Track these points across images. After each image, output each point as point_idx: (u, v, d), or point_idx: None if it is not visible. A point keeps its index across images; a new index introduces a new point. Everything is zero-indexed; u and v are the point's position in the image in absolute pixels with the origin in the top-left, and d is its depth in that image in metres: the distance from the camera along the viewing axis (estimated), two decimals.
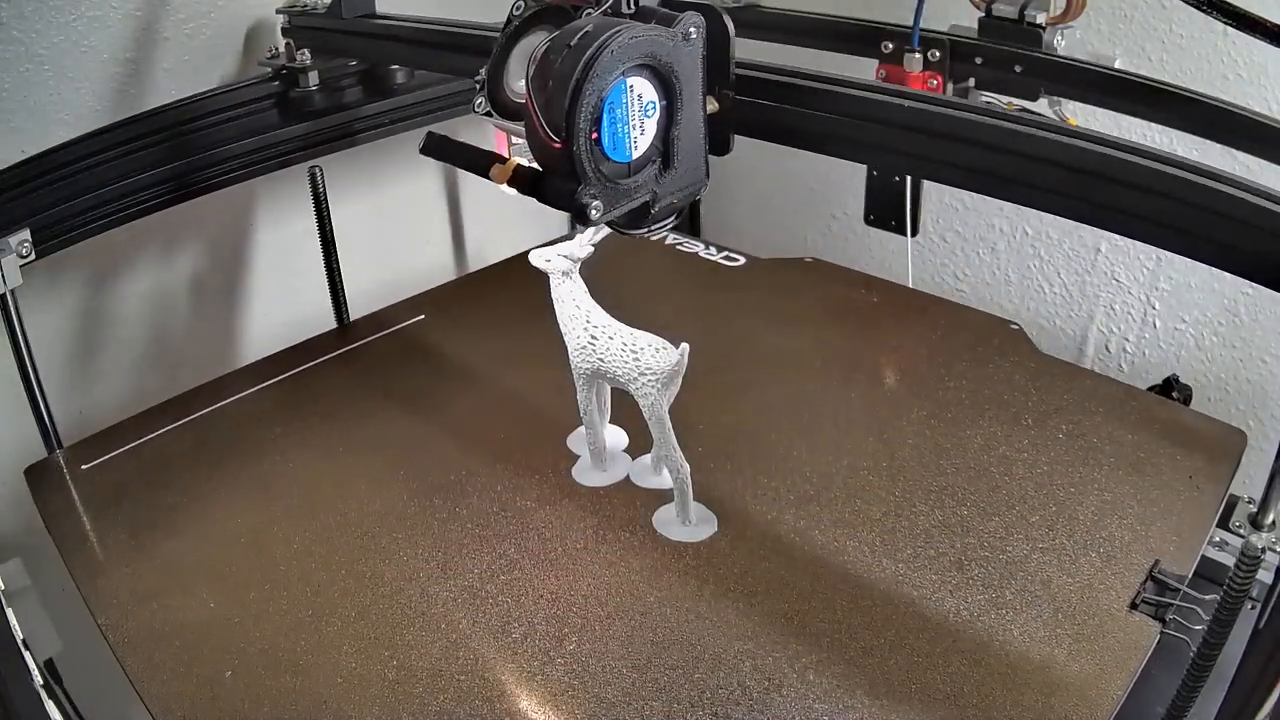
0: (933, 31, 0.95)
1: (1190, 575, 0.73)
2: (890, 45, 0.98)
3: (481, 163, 0.62)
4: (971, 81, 0.96)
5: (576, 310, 0.77)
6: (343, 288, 1.12)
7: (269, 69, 1.05)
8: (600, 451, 0.84)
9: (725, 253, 1.23)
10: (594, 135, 0.56)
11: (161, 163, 0.98)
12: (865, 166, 1.26)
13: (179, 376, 1.15)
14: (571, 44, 0.54)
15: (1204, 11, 0.65)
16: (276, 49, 1.05)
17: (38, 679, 0.68)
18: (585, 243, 0.77)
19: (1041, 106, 0.93)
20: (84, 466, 0.89)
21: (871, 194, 1.27)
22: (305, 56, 1.03)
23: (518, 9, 0.62)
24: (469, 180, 1.36)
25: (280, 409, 0.96)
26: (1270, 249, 0.51)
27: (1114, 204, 0.56)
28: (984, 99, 0.96)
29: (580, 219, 0.58)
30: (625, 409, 0.82)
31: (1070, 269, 1.27)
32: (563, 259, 0.76)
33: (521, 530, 0.79)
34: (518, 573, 0.74)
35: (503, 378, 1.00)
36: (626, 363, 0.75)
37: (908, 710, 0.63)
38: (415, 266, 1.37)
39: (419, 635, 0.69)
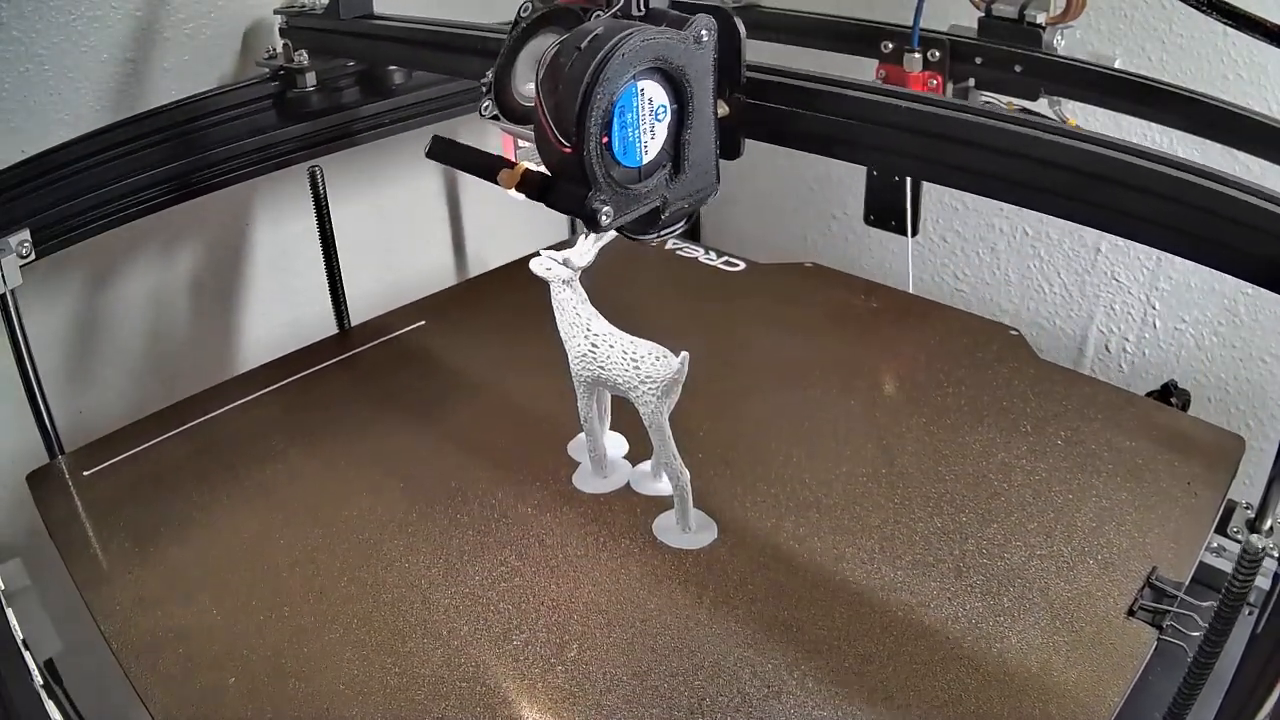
0: (933, 31, 0.95)
1: (1188, 582, 0.73)
2: (890, 45, 0.98)
3: (488, 167, 0.61)
4: (971, 81, 0.96)
5: (577, 318, 0.77)
6: (343, 290, 1.12)
7: (267, 69, 1.05)
8: (600, 458, 0.84)
9: (725, 258, 1.24)
10: (604, 140, 0.55)
11: (161, 163, 0.98)
12: (865, 167, 1.26)
13: (179, 375, 1.16)
14: (581, 47, 0.53)
15: (1204, 11, 0.65)
16: (274, 49, 1.06)
17: (38, 679, 0.68)
18: (586, 251, 0.77)
19: (1041, 106, 0.94)
20: (86, 473, 0.90)
21: (871, 194, 1.27)
22: (303, 57, 1.04)
23: (525, 10, 0.61)
24: (469, 181, 1.37)
25: (282, 415, 0.96)
26: (1270, 251, 0.51)
27: (1115, 206, 0.57)
28: (984, 99, 0.96)
29: (590, 225, 0.57)
30: (625, 416, 0.82)
31: (1070, 269, 1.27)
32: (563, 267, 0.77)
33: (522, 537, 0.79)
34: (519, 580, 0.75)
35: (503, 384, 1.01)
36: (627, 371, 0.75)
37: (907, 717, 0.63)
38: (415, 266, 1.38)
39: (421, 642, 0.70)
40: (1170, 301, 1.20)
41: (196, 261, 1.16)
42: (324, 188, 1.07)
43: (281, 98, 1.05)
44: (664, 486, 0.82)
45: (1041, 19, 0.91)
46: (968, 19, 0.96)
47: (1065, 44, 0.92)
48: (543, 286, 0.78)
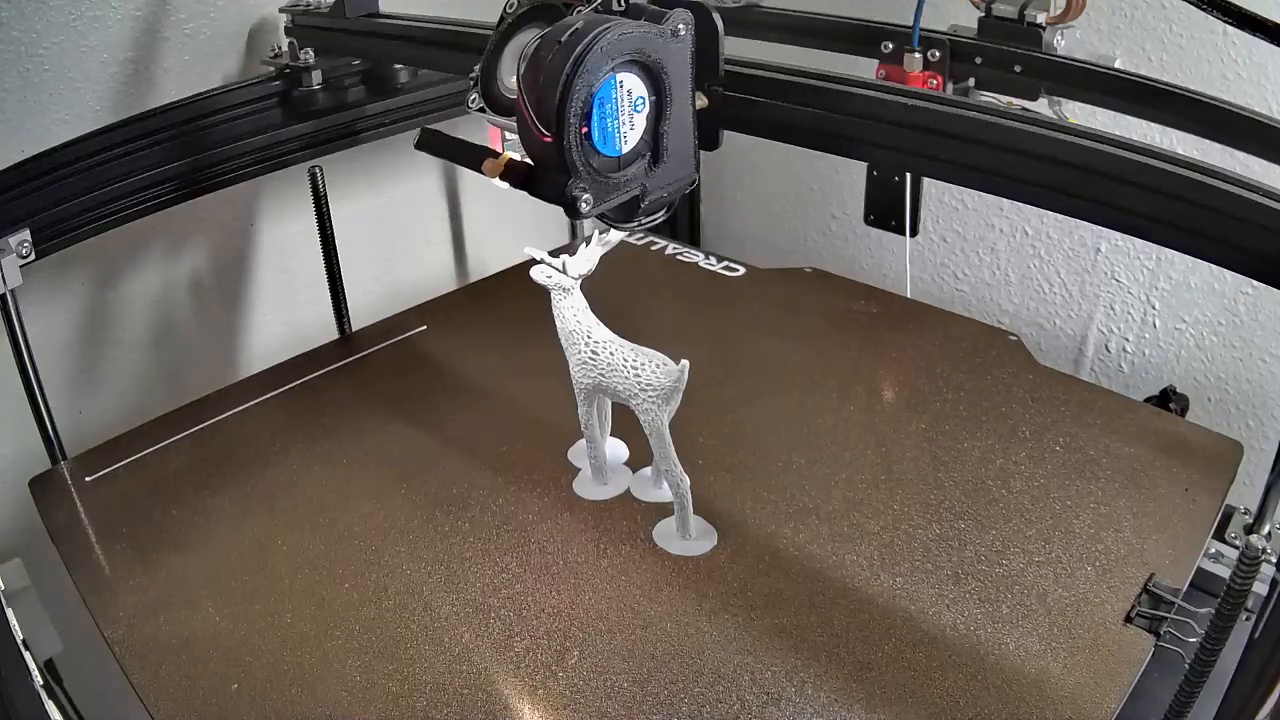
0: (933, 31, 0.96)
1: (1185, 588, 0.74)
2: (890, 45, 0.98)
3: (474, 157, 0.63)
4: (971, 81, 0.96)
5: (578, 326, 0.78)
6: (343, 291, 1.12)
7: (272, 68, 1.05)
8: (601, 465, 0.85)
9: (725, 263, 1.24)
10: (584, 130, 0.57)
11: (163, 162, 0.98)
12: (865, 167, 1.27)
13: (181, 375, 1.16)
14: (562, 40, 0.56)
15: (1204, 11, 0.65)
16: (279, 48, 1.06)
17: (38, 679, 0.69)
18: (586, 259, 0.78)
19: (1041, 106, 0.94)
20: (88, 478, 0.90)
21: (871, 194, 1.27)
22: (308, 56, 1.04)
23: (511, 7, 0.64)
24: (469, 180, 1.38)
25: (283, 421, 0.96)
26: (1270, 247, 0.52)
27: (1115, 201, 0.57)
28: (984, 99, 0.96)
29: (570, 212, 0.59)
30: (626, 422, 0.83)
31: (1070, 269, 1.27)
32: (564, 275, 0.77)
33: (523, 544, 0.79)
34: (520, 586, 0.75)
35: (504, 390, 1.01)
36: (627, 379, 0.76)
37: None
38: (416, 266, 1.38)
39: (423, 649, 0.70)
40: (1170, 301, 1.20)
41: (199, 260, 1.16)
42: (324, 188, 1.07)
43: (287, 96, 1.06)
44: (664, 493, 0.82)
45: (1041, 19, 0.91)
46: (968, 19, 0.96)
47: (1065, 44, 0.92)
48: (544, 291, 0.79)
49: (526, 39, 0.62)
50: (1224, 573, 0.77)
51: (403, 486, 0.86)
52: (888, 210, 1.26)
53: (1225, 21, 0.65)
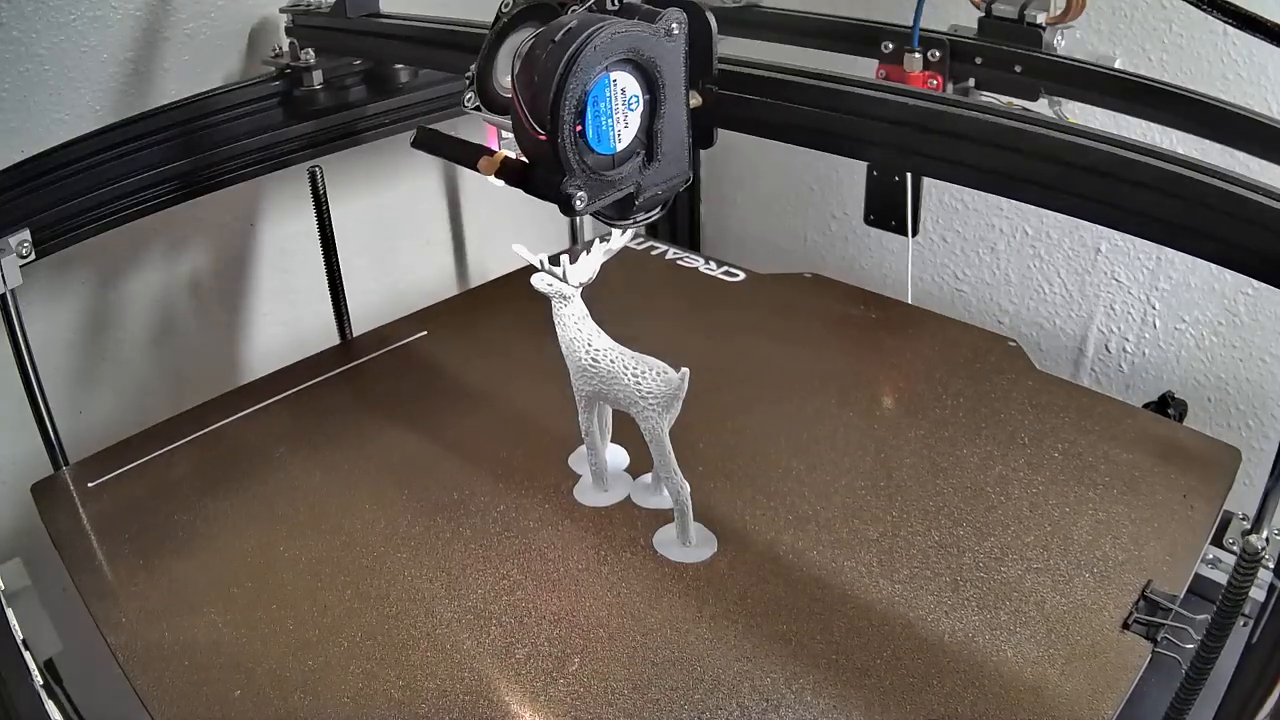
0: (933, 31, 0.96)
1: (1183, 594, 0.74)
2: (890, 45, 0.98)
3: (470, 156, 0.64)
4: (971, 81, 0.96)
5: (578, 334, 0.78)
6: (343, 291, 1.12)
7: (272, 68, 1.06)
8: (601, 471, 0.85)
9: (725, 268, 1.25)
10: (578, 128, 0.58)
11: (163, 162, 0.99)
12: (865, 167, 1.27)
13: (181, 375, 1.17)
14: (556, 39, 0.56)
15: (1204, 11, 0.65)
16: (280, 48, 1.06)
17: (38, 679, 0.69)
18: (587, 267, 0.78)
19: (1041, 106, 0.94)
20: (90, 484, 0.91)
21: (871, 194, 1.27)
22: (309, 56, 1.04)
23: (506, 6, 0.64)
24: (470, 180, 1.38)
25: (285, 427, 0.97)
26: (1270, 246, 0.52)
27: (1115, 201, 0.57)
28: (984, 99, 0.96)
29: (565, 209, 0.60)
30: (626, 428, 0.83)
31: (1070, 269, 1.28)
32: (564, 283, 0.77)
33: (524, 550, 0.80)
34: (521, 593, 0.76)
35: (504, 395, 1.01)
36: (627, 386, 0.76)
37: None
38: (416, 266, 1.39)
39: (424, 656, 0.71)
40: (1170, 301, 1.20)
41: (199, 260, 1.16)
42: (324, 188, 1.07)
43: (287, 96, 1.06)
44: (664, 499, 0.82)
45: (1041, 19, 0.91)
46: (968, 19, 0.96)
47: (1065, 44, 0.92)
48: (544, 297, 0.79)
49: (522, 38, 0.62)
50: (1222, 579, 0.77)
51: (404, 492, 0.87)
52: (888, 210, 1.26)
53: (1225, 21, 0.65)
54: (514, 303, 1.18)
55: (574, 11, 0.60)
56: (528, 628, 0.73)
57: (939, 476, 0.87)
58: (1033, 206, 0.76)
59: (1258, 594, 0.67)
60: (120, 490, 0.89)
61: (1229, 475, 0.88)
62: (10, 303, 0.89)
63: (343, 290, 1.12)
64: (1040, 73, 0.91)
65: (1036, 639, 0.70)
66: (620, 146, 0.61)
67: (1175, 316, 1.21)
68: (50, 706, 0.68)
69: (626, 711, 0.66)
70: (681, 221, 1.55)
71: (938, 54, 0.96)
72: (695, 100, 0.65)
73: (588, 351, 0.78)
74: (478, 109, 0.65)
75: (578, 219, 1.46)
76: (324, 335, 1.15)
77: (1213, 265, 0.70)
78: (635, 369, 0.76)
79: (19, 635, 0.74)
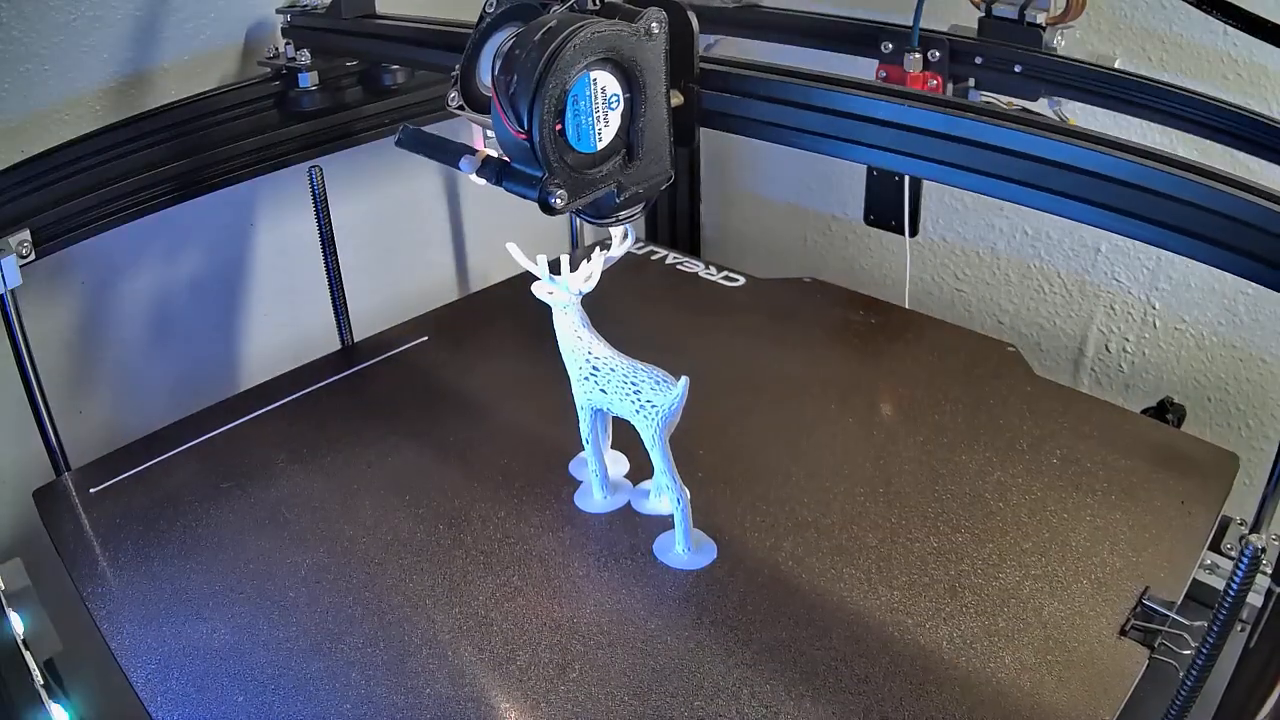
0: (933, 31, 0.96)
1: (1180, 600, 0.75)
2: (890, 45, 0.98)
3: (453, 155, 0.65)
4: (971, 81, 0.97)
5: (578, 342, 0.79)
6: (343, 291, 1.12)
7: (269, 69, 1.06)
8: (602, 478, 0.86)
9: (725, 273, 1.25)
10: (558, 127, 0.58)
11: (162, 163, 0.99)
12: (865, 167, 1.27)
13: (180, 374, 1.17)
14: (535, 39, 0.57)
15: (1204, 11, 0.66)
16: (276, 49, 1.06)
17: (38, 679, 0.70)
18: (587, 275, 0.78)
19: (1041, 107, 0.94)
20: (92, 490, 0.91)
21: (871, 194, 1.27)
22: (305, 57, 1.04)
23: (490, 6, 0.65)
24: (469, 181, 1.38)
25: (286, 433, 0.97)
26: (1268, 250, 0.52)
27: (1115, 206, 0.58)
28: (984, 99, 0.97)
29: (544, 208, 0.60)
30: (626, 435, 0.83)
31: (1070, 269, 1.28)
32: (565, 292, 0.78)
33: (525, 557, 0.80)
34: (521, 600, 0.76)
35: (505, 402, 1.02)
36: (627, 395, 0.76)
37: None
38: (416, 267, 1.39)
39: (426, 662, 0.71)
40: (1170, 301, 1.21)
41: (199, 260, 1.16)
42: (323, 188, 1.07)
43: (283, 97, 1.06)
44: (664, 506, 0.83)
45: (1041, 19, 0.91)
46: (968, 19, 0.97)
47: (1065, 44, 0.92)
48: (544, 302, 0.80)
49: (504, 38, 0.63)
50: (1219, 584, 0.77)
51: (405, 499, 0.87)
52: (888, 210, 1.26)
53: (1225, 22, 0.65)
54: (514, 308, 1.18)
55: (555, 11, 0.60)
56: (528, 635, 0.73)
57: (938, 483, 0.87)
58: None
59: (1254, 598, 0.67)
60: (122, 496, 0.90)
61: (1227, 481, 0.88)
62: (10, 303, 0.89)
63: (343, 291, 1.12)
64: (1040, 73, 0.91)
65: (1034, 645, 0.71)
66: (601, 145, 0.61)
67: (1175, 316, 1.21)
68: (50, 706, 0.68)
69: (627, 718, 0.66)
70: (682, 226, 1.56)
71: (938, 54, 0.96)
72: (677, 99, 0.66)
73: (588, 360, 0.78)
74: (461, 108, 0.66)
75: (578, 222, 1.46)
76: (324, 335, 1.15)
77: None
78: (635, 378, 0.76)
79: (19, 635, 0.74)
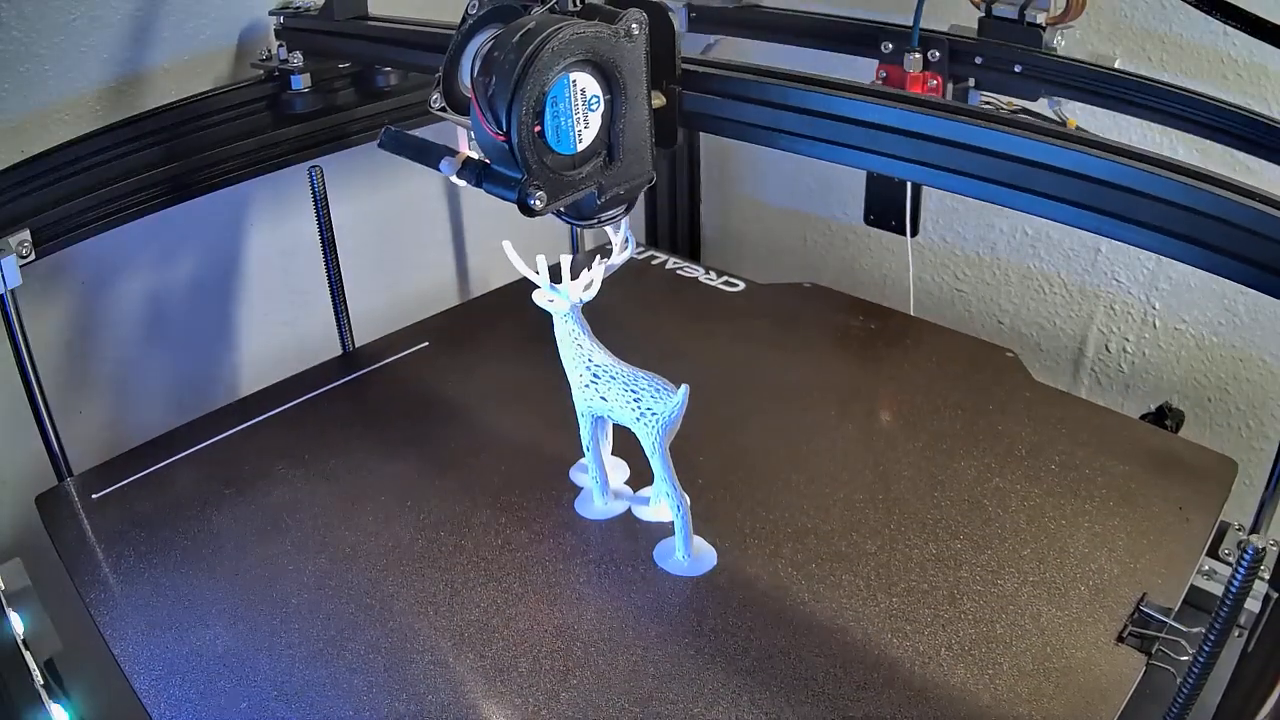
0: (933, 31, 0.96)
1: (1178, 606, 0.75)
2: (890, 45, 0.98)
3: (434, 157, 0.65)
4: (972, 82, 0.97)
5: (579, 350, 0.79)
6: (344, 291, 1.12)
7: (261, 70, 1.06)
8: (602, 485, 0.86)
9: (725, 278, 1.25)
10: (537, 128, 0.58)
11: (160, 163, 0.99)
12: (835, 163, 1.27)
13: (180, 375, 1.17)
14: (514, 41, 0.57)
15: (1204, 11, 0.66)
16: (269, 51, 1.07)
17: (38, 679, 0.70)
18: (588, 284, 0.79)
19: (1042, 107, 0.94)
20: (94, 496, 0.91)
21: (871, 194, 1.27)
22: (298, 58, 1.05)
23: (473, 8, 0.65)
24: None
25: (287, 440, 0.97)
26: (1265, 256, 0.52)
27: (1109, 210, 0.57)
28: (983, 99, 0.97)
29: (524, 209, 0.60)
30: (626, 441, 0.84)
31: (1070, 269, 1.28)
32: (565, 300, 0.78)
33: (525, 564, 0.81)
34: (522, 607, 0.76)
35: (505, 408, 1.02)
36: (628, 403, 0.77)
37: None
38: (416, 268, 1.39)
39: (428, 669, 0.71)
40: (1170, 301, 1.21)
41: (198, 261, 1.16)
42: (323, 188, 1.07)
43: (276, 99, 1.07)
44: (664, 512, 0.83)
45: (1041, 19, 0.91)
46: (968, 19, 0.97)
47: (1065, 44, 0.92)
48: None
49: (485, 39, 0.63)
50: (1217, 590, 0.78)
51: (406, 505, 0.88)
52: (888, 210, 1.26)
53: (1225, 22, 0.65)
54: (515, 313, 1.18)
55: (535, 13, 0.60)
56: (530, 642, 0.73)
57: (937, 489, 0.88)
58: None
59: (1252, 604, 0.68)
60: (124, 502, 0.90)
61: (1225, 487, 0.88)
62: (10, 303, 0.89)
63: (344, 296, 1.12)
64: (1040, 73, 0.91)
65: (1032, 652, 0.71)
66: (581, 147, 0.61)
67: (1175, 317, 1.21)
68: (50, 706, 0.69)
69: None
70: (682, 231, 1.56)
71: (937, 54, 0.96)
72: (658, 100, 0.66)
73: (589, 368, 0.79)
74: (443, 110, 0.66)
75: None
76: (324, 335, 1.15)
77: None
78: (635, 385, 0.77)
79: (19, 635, 0.74)
